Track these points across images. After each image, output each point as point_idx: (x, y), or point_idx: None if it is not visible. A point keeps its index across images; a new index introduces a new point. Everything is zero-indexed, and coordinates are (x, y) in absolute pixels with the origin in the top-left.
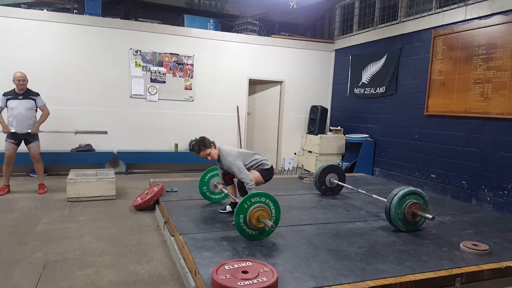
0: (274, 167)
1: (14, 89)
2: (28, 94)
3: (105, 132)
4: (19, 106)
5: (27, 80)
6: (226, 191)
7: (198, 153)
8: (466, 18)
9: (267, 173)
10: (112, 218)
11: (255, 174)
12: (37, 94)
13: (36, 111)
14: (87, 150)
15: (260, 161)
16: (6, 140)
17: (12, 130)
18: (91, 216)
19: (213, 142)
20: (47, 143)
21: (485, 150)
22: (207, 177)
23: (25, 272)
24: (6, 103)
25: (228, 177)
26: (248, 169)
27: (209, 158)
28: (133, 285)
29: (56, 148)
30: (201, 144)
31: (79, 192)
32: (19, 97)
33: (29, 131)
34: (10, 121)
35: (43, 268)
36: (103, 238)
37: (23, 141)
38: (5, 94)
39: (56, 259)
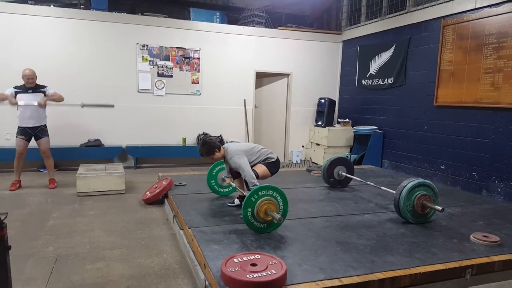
0: (282, 160)
1: (24, 84)
2: (37, 88)
3: (112, 106)
4: (28, 99)
5: (36, 77)
6: (234, 185)
7: (203, 156)
8: (476, 7)
9: (273, 166)
10: (121, 212)
11: (261, 168)
12: (45, 86)
13: (45, 106)
14: (96, 145)
15: (266, 155)
16: (16, 137)
17: (22, 125)
18: (101, 210)
19: (219, 137)
20: (56, 138)
21: (496, 141)
22: (215, 171)
23: (37, 266)
24: (15, 96)
25: (235, 170)
26: (255, 163)
27: (212, 160)
28: (143, 278)
29: (66, 144)
30: (207, 150)
31: (89, 186)
32: (28, 91)
33: (41, 125)
34: (20, 115)
35: (54, 262)
36: (113, 232)
37: (33, 137)
38: (15, 87)
39: (67, 253)
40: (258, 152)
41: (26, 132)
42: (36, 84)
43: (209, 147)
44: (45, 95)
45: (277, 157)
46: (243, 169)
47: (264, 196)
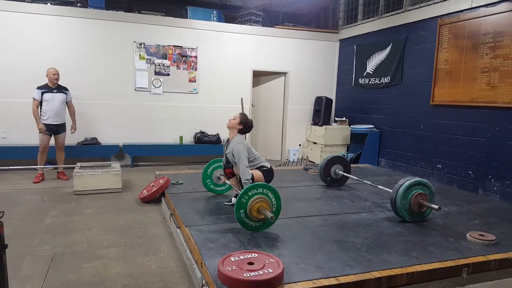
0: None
1: (46, 83)
2: (61, 88)
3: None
4: (54, 99)
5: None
6: (229, 183)
7: (238, 115)
8: (473, 6)
9: (268, 174)
10: (118, 211)
11: (257, 173)
12: (67, 89)
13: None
14: (92, 143)
15: (261, 161)
16: (40, 132)
17: (48, 122)
18: (98, 209)
19: (216, 135)
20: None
21: (492, 140)
22: (209, 170)
23: (33, 265)
24: (42, 96)
25: (228, 171)
26: (251, 166)
27: (231, 121)
28: (140, 276)
29: None
30: (244, 115)
31: (86, 185)
32: (53, 91)
33: (63, 122)
34: (46, 113)
35: (51, 261)
36: (110, 231)
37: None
38: (39, 88)
39: (64, 251)
40: (255, 154)
41: (50, 128)
42: (58, 84)
43: (246, 116)
44: (67, 97)
45: (271, 166)
46: (241, 160)
47: (255, 195)
